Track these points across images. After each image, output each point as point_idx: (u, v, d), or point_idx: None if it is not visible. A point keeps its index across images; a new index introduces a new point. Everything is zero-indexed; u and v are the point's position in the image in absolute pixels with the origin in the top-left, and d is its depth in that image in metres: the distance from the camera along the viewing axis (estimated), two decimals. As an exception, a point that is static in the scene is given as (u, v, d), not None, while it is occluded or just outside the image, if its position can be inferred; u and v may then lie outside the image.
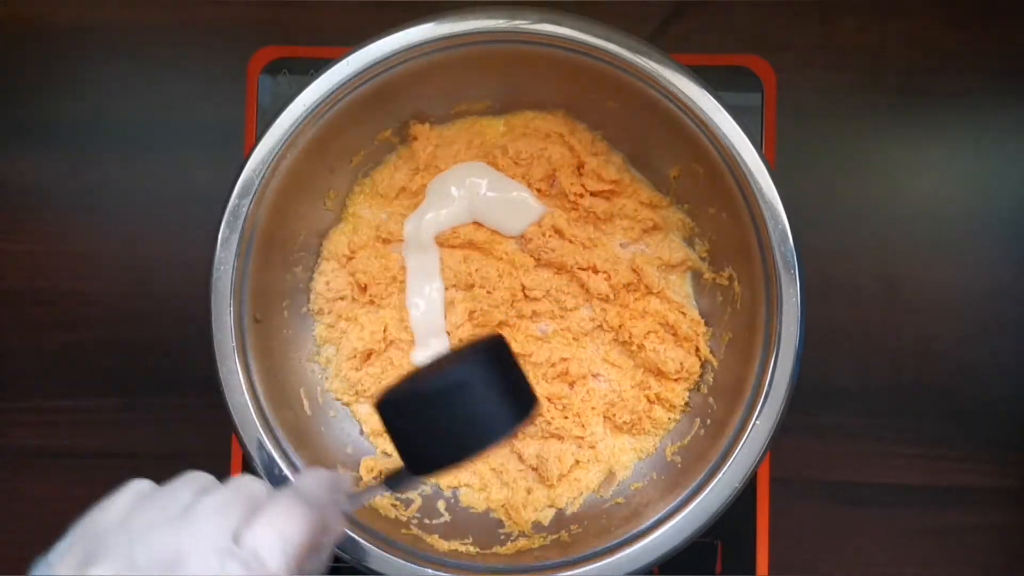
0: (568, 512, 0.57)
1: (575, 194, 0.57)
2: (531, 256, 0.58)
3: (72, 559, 0.34)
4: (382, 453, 0.58)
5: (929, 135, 0.62)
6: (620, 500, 0.56)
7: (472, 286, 0.58)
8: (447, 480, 0.58)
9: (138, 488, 0.37)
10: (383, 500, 0.56)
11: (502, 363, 0.40)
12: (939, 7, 0.62)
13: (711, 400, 0.56)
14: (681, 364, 0.56)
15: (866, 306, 0.61)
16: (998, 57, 0.62)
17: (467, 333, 0.58)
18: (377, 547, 0.50)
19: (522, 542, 0.55)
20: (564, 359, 0.57)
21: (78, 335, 0.63)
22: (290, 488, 0.38)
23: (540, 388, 0.57)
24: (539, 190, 0.58)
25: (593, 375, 0.58)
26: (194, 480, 0.37)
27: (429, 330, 0.58)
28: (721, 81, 0.53)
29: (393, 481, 0.41)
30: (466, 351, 0.41)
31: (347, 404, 0.58)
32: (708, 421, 0.55)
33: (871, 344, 0.61)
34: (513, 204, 0.58)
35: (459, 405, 0.38)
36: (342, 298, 0.58)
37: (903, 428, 0.61)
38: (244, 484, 0.37)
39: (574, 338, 0.58)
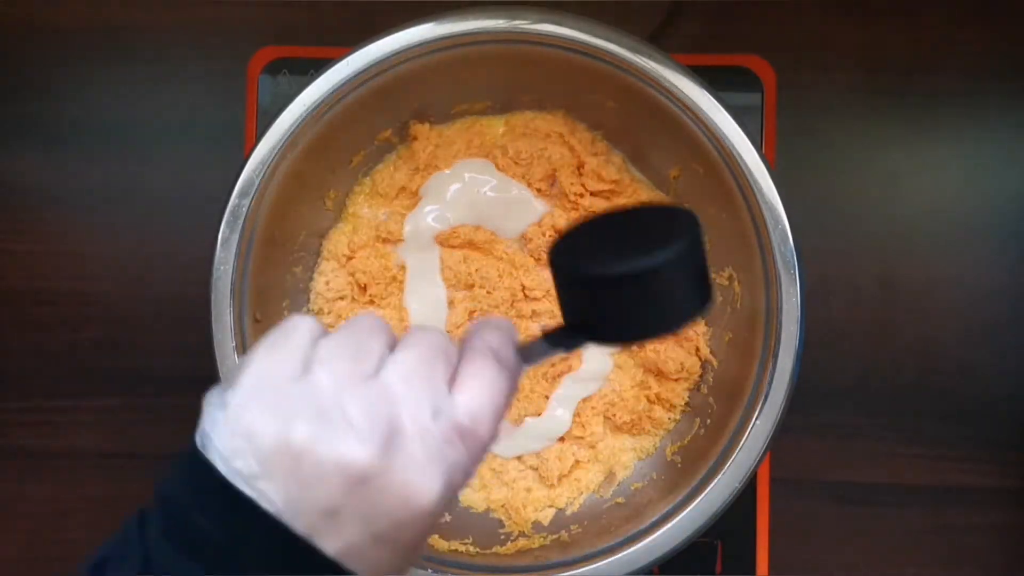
0: (568, 512, 0.57)
1: (575, 194, 0.57)
2: (531, 256, 0.58)
3: (263, 408, 0.30)
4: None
5: (929, 135, 0.62)
6: (620, 500, 0.56)
7: (472, 286, 0.58)
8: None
9: (309, 329, 0.32)
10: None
11: (699, 248, 0.37)
12: (939, 7, 0.62)
13: (711, 400, 0.56)
14: (681, 364, 0.56)
15: (866, 306, 0.61)
16: (998, 57, 0.62)
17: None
18: (377, 547, 0.50)
19: (522, 542, 0.55)
20: (564, 358, 0.57)
21: (78, 335, 0.63)
22: (480, 343, 0.34)
23: (540, 387, 0.57)
24: (539, 190, 0.58)
25: (593, 375, 0.58)
26: (373, 328, 0.33)
27: (429, 330, 0.58)
28: (721, 81, 0.53)
29: (555, 339, 0.37)
30: (668, 220, 0.37)
31: (347, 404, 0.58)
32: (708, 421, 0.55)
33: (871, 344, 0.61)
34: (513, 204, 0.58)
35: (651, 284, 0.35)
36: (342, 298, 0.58)
37: (903, 428, 0.61)
38: (431, 338, 0.33)
39: (574, 338, 0.58)
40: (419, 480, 0.30)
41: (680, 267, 0.35)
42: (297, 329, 0.32)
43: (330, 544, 0.30)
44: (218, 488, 0.30)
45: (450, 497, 0.32)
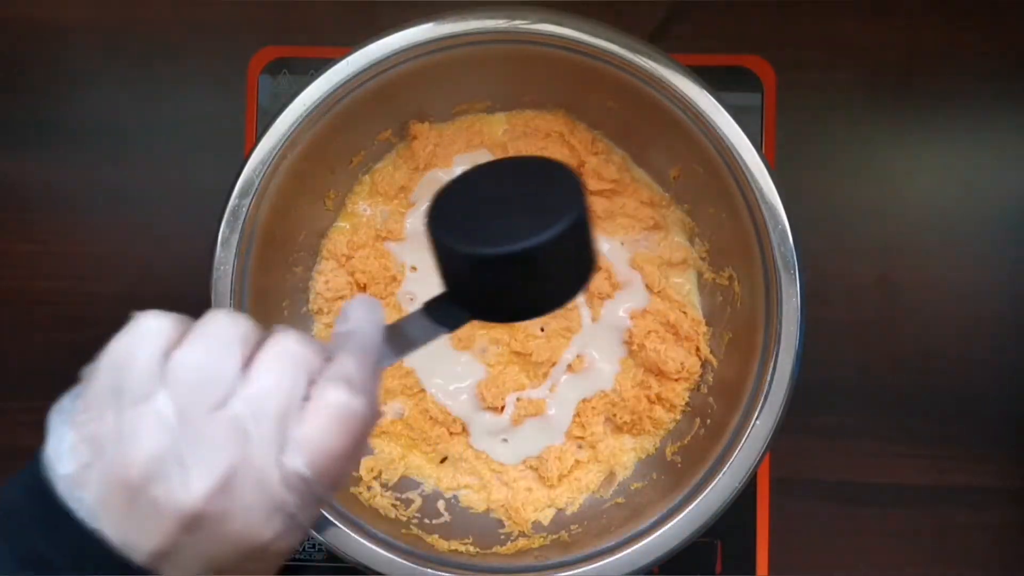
0: (568, 512, 0.57)
1: (575, 194, 0.57)
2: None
3: (105, 435, 0.30)
4: (380, 453, 0.58)
5: (929, 135, 0.62)
6: (620, 500, 0.56)
7: (472, 286, 0.58)
8: (447, 483, 0.58)
9: (160, 336, 0.31)
10: (383, 500, 0.56)
11: (584, 217, 0.34)
12: (939, 7, 0.62)
13: (711, 400, 0.56)
14: (682, 364, 0.56)
15: (866, 306, 0.61)
16: (998, 58, 0.62)
17: (465, 333, 0.58)
18: (377, 547, 0.50)
19: (522, 542, 0.55)
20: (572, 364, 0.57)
21: (78, 335, 0.63)
22: (336, 371, 0.32)
23: (541, 387, 0.57)
24: (539, 190, 0.58)
25: (593, 375, 0.58)
26: (228, 338, 0.31)
27: (429, 330, 0.58)
28: (721, 81, 0.53)
29: (437, 312, 0.35)
30: (553, 183, 0.34)
31: (347, 404, 0.58)
32: (708, 421, 0.55)
33: (871, 344, 0.61)
34: (513, 204, 0.58)
35: (539, 261, 0.33)
36: (341, 297, 0.58)
37: (903, 428, 0.61)
38: (291, 351, 0.31)
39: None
40: (255, 527, 0.30)
41: (569, 241, 0.33)
42: (147, 336, 0.31)
43: None
44: (60, 513, 0.30)
45: (296, 532, 0.31)
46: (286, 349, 0.32)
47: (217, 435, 0.30)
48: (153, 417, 0.29)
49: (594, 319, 0.58)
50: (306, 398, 0.31)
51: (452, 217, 0.35)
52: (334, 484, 0.32)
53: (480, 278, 0.34)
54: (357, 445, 0.32)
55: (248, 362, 0.31)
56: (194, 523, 0.29)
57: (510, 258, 0.32)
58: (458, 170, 0.58)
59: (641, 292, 0.58)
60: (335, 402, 0.31)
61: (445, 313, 0.35)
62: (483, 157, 0.58)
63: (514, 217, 0.34)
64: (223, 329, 0.31)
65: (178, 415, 0.29)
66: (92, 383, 0.31)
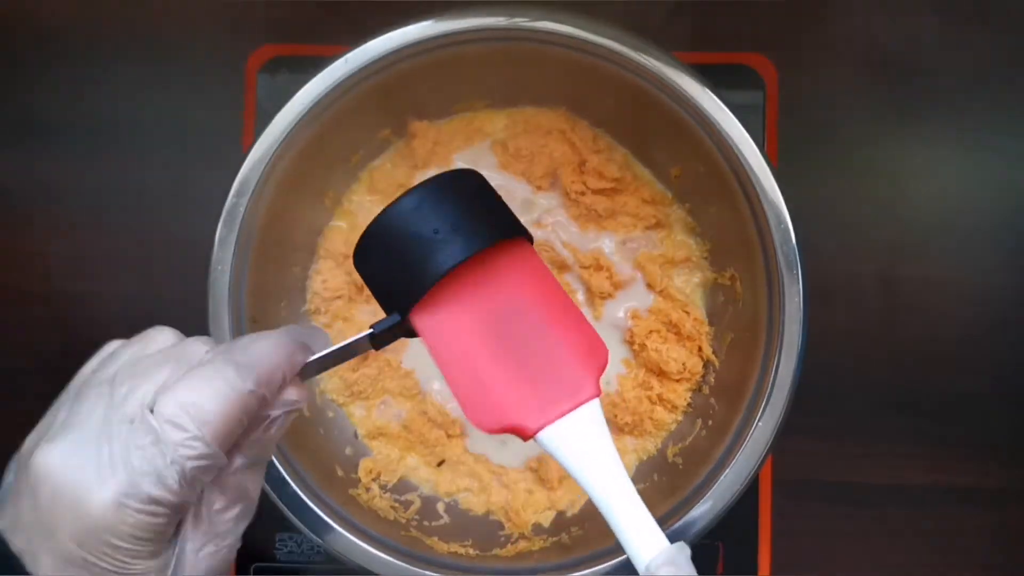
0: (568, 514, 0.56)
1: (576, 192, 0.57)
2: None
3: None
4: (377, 454, 0.58)
5: (931, 135, 0.62)
6: (621, 501, 0.56)
7: (472, 286, 0.57)
8: (445, 488, 0.57)
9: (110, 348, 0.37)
10: (382, 501, 0.55)
11: (462, 189, 0.38)
12: (941, 6, 0.61)
13: (713, 401, 0.55)
14: (683, 364, 0.56)
15: (867, 306, 0.61)
16: (998, 57, 0.62)
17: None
18: (376, 549, 0.50)
19: (522, 544, 0.55)
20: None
21: (78, 335, 0.62)
22: (225, 352, 0.34)
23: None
24: (540, 187, 0.58)
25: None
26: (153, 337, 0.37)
27: (428, 330, 0.58)
28: (723, 79, 0.53)
29: (380, 330, 0.37)
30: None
31: (342, 405, 0.58)
32: (710, 422, 0.55)
33: (871, 344, 0.61)
34: (513, 201, 0.58)
35: (411, 230, 0.36)
36: (339, 297, 0.58)
37: (903, 428, 0.61)
38: (186, 346, 0.35)
39: (574, 338, 0.58)
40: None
41: (423, 203, 0.36)
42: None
43: None
44: None
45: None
46: (187, 342, 0.36)
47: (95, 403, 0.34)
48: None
49: (595, 318, 0.58)
50: None
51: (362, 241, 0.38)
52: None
53: (379, 261, 0.37)
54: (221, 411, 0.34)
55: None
56: None
57: (387, 227, 0.37)
58: (459, 165, 0.58)
59: (643, 291, 0.57)
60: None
61: (383, 328, 0.37)
62: (483, 154, 0.58)
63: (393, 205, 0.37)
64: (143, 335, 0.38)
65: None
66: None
